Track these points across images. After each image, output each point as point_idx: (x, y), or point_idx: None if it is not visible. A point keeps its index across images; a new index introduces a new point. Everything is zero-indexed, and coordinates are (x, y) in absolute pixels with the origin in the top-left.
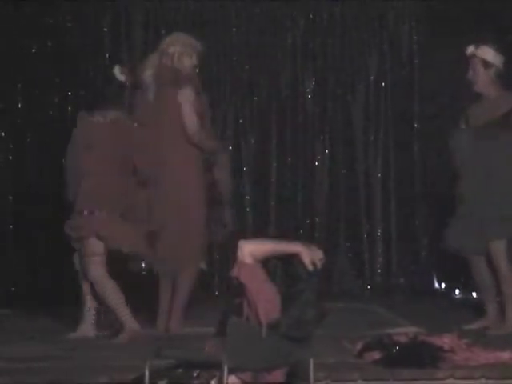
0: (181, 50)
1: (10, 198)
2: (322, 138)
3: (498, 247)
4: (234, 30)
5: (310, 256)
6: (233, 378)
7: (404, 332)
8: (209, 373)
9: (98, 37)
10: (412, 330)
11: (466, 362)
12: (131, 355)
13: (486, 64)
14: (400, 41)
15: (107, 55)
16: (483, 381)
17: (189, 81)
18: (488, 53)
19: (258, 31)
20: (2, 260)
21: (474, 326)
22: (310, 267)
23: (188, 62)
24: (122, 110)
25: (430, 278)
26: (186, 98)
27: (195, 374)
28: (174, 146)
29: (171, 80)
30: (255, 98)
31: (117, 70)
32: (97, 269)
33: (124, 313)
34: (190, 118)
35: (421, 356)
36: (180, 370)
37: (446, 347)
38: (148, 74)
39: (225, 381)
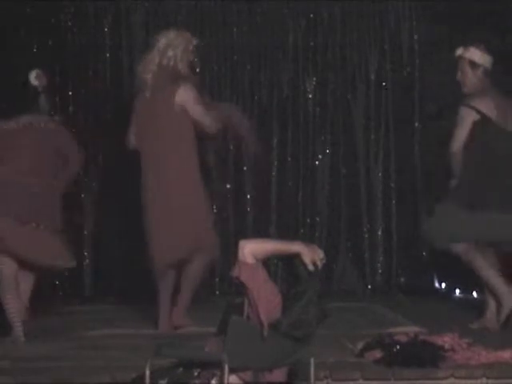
0: (179, 50)
1: None
2: (322, 137)
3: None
4: (235, 29)
5: (310, 256)
6: (233, 378)
7: (405, 331)
8: (209, 372)
9: (98, 37)
10: (413, 329)
11: (466, 361)
12: (132, 354)
13: (474, 65)
14: (400, 40)
15: (107, 55)
16: (484, 380)
17: (188, 79)
18: (475, 54)
19: (258, 31)
20: None
21: (475, 325)
22: (311, 267)
23: (186, 60)
24: (41, 113)
25: (431, 278)
26: (188, 94)
27: (196, 374)
28: (172, 148)
29: (171, 80)
30: (256, 98)
31: (32, 75)
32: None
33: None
34: (199, 111)
35: (421, 355)
36: (181, 370)
37: (446, 347)
38: (147, 75)
39: (225, 380)
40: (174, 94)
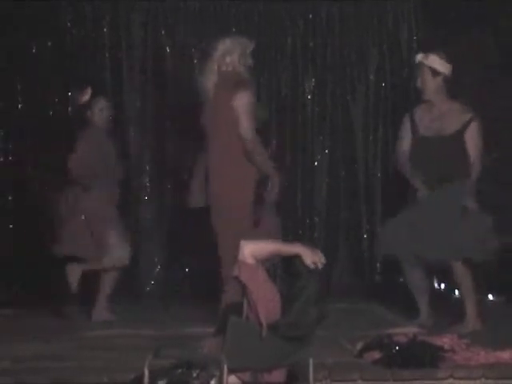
0: (236, 55)
1: (9, 197)
2: (321, 137)
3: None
4: (234, 30)
5: (311, 257)
6: (232, 378)
7: (404, 332)
8: (208, 373)
9: (97, 37)
10: (412, 329)
11: (465, 361)
12: (131, 355)
13: (434, 72)
14: (399, 41)
15: (107, 55)
16: (483, 380)
17: (247, 85)
18: (435, 61)
19: (257, 31)
20: (2, 259)
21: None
22: (312, 267)
23: (245, 66)
24: None
25: (430, 278)
26: (244, 102)
27: (195, 374)
28: (229, 157)
29: (232, 84)
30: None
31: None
32: None
33: None
34: (247, 122)
35: (420, 356)
36: (180, 370)
37: (445, 347)
38: (208, 84)
39: (224, 381)
40: (232, 97)
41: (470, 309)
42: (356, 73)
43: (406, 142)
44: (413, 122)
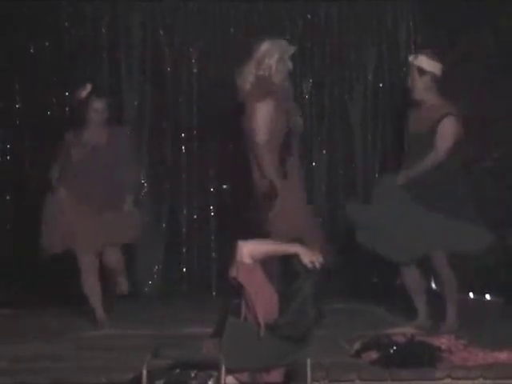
0: (274, 60)
1: (8, 197)
2: (319, 138)
3: (440, 253)
4: (232, 30)
5: (309, 256)
6: (230, 379)
7: (402, 332)
8: (206, 373)
9: (96, 37)
10: (410, 330)
11: (463, 362)
12: (130, 355)
13: (422, 71)
14: (398, 41)
15: (104, 55)
16: (481, 381)
17: (273, 96)
18: (423, 61)
19: (255, 31)
20: (2, 259)
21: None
22: (310, 266)
23: (282, 70)
24: None
25: (428, 279)
26: (263, 113)
27: (193, 375)
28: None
29: (265, 91)
30: None
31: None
32: None
33: None
34: (260, 126)
35: (418, 356)
36: (178, 370)
37: (443, 347)
38: (245, 85)
39: (222, 381)
40: (255, 109)
41: (451, 309)
42: (354, 73)
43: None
44: (406, 119)
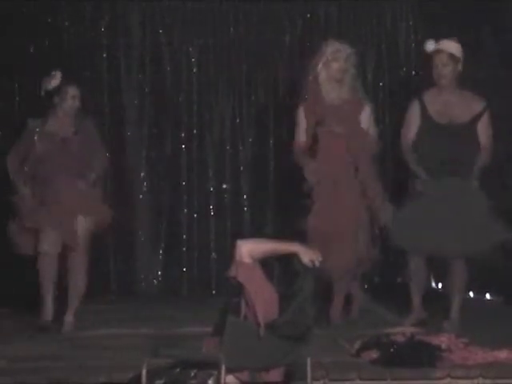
0: (320, 62)
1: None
2: None
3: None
4: (232, 29)
5: (308, 255)
6: (230, 378)
7: (401, 331)
8: (206, 372)
9: (95, 37)
10: (409, 329)
11: (463, 361)
12: (129, 354)
13: (453, 58)
14: (397, 40)
15: (104, 55)
16: (480, 380)
17: (308, 99)
18: (455, 47)
19: (255, 31)
20: (1, 259)
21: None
22: (309, 265)
23: (326, 73)
24: None
25: (428, 278)
26: (299, 115)
27: (193, 374)
28: None
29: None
30: (252, 98)
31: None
32: None
33: None
34: (296, 129)
35: (418, 355)
36: (178, 370)
37: (443, 346)
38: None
39: (222, 380)
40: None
41: (457, 307)
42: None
43: (413, 128)
44: (423, 107)
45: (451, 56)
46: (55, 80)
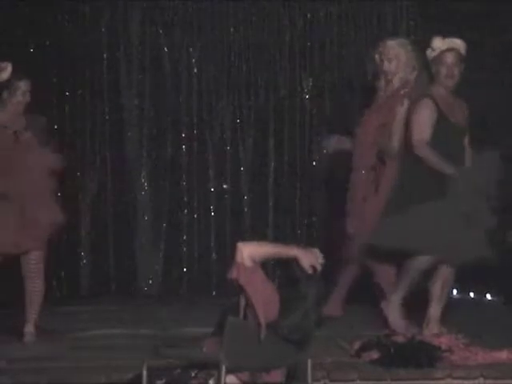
0: (403, 62)
1: None
2: (319, 138)
3: None
4: (232, 29)
5: (308, 260)
6: (231, 378)
7: (401, 332)
8: (207, 373)
9: (96, 36)
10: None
11: (463, 361)
12: (129, 355)
13: (462, 58)
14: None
15: (104, 55)
16: (481, 380)
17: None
18: (464, 47)
19: (255, 31)
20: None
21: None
22: (309, 271)
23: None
24: None
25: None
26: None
27: (193, 374)
28: None
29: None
30: (252, 98)
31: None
32: None
33: None
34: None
35: (418, 356)
36: (178, 370)
37: (443, 347)
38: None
39: (223, 381)
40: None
41: (437, 310)
42: (354, 72)
43: (429, 127)
44: (437, 106)
45: (461, 56)
46: (5, 73)
